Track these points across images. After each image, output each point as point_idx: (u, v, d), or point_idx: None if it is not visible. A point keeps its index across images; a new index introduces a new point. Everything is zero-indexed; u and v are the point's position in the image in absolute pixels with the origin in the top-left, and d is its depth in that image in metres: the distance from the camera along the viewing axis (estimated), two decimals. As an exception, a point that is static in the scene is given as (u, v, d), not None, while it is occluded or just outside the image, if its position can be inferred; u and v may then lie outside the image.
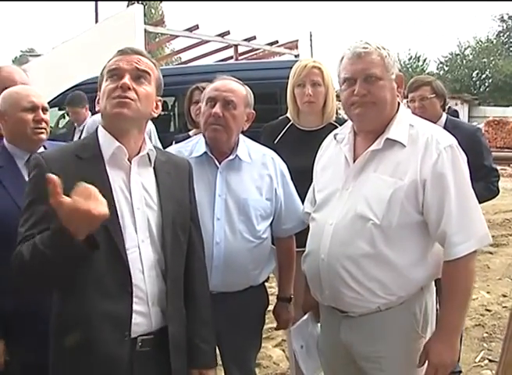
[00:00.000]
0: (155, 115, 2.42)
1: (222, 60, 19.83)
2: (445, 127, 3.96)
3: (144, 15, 17.15)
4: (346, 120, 2.95)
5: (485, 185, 4.33)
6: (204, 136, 3.09)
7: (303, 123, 3.86)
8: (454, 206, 2.43)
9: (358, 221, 2.54)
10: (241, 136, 3.16)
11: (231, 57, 19.44)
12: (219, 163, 3.05)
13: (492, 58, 50.90)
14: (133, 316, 2.24)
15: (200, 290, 2.59)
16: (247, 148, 3.15)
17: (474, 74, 52.32)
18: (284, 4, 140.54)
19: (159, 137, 6.80)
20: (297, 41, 21.58)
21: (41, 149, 3.05)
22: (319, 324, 3.06)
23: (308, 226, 2.92)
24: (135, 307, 2.24)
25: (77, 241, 1.90)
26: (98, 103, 2.32)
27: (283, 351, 5.34)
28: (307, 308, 3.16)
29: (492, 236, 2.56)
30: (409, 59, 54.15)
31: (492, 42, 52.41)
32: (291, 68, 3.91)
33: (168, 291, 2.36)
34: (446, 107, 4.75)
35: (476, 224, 2.48)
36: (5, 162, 2.96)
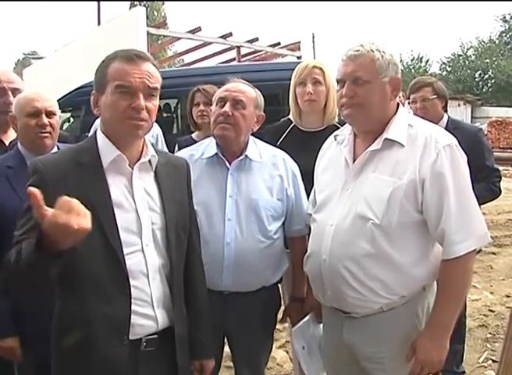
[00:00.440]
0: None
1: (224, 62, 19.83)
2: (446, 128, 3.96)
3: (147, 17, 17.14)
4: (348, 121, 2.96)
5: (486, 186, 4.33)
6: (213, 136, 3.11)
7: (305, 123, 3.87)
8: (453, 205, 2.43)
9: (358, 221, 2.55)
10: (251, 137, 3.18)
11: (233, 59, 19.42)
12: (230, 164, 3.07)
13: (494, 59, 50.83)
14: (138, 319, 2.26)
15: (200, 286, 2.63)
16: (258, 149, 3.18)
17: (476, 75, 52.26)
18: (286, 5, 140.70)
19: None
20: (300, 42, 21.55)
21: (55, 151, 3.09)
22: (321, 325, 3.07)
23: (310, 228, 2.92)
24: (138, 310, 2.26)
25: (50, 250, 1.85)
26: (97, 106, 2.29)
27: (287, 352, 5.34)
28: (309, 308, 3.17)
29: (496, 236, 2.57)
30: (411, 60, 54.13)
31: (495, 42, 52.34)
32: (294, 69, 3.92)
33: (173, 293, 2.39)
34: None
35: (475, 223, 2.49)
36: (16, 164, 3.01)
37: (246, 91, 3.07)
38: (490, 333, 5.72)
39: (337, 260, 2.58)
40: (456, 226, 2.43)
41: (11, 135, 3.57)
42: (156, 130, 5.75)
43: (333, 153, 2.86)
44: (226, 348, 3.30)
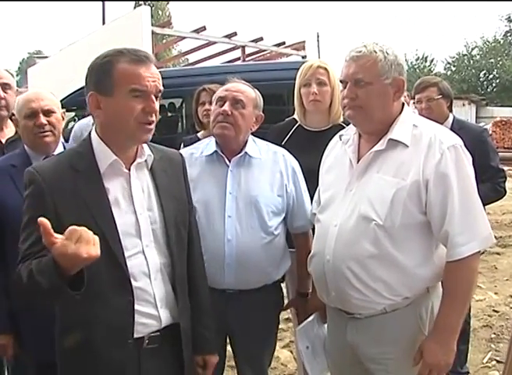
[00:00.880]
0: None
1: (229, 61, 19.84)
2: (452, 128, 3.96)
3: (151, 16, 17.16)
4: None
5: (491, 186, 4.32)
6: (213, 135, 3.13)
7: (309, 123, 3.87)
8: (457, 206, 2.42)
9: (362, 222, 2.54)
10: (251, 136, 3.19)
11: (238, 58, 19.44)
12: (229, 161, 3.08)
13: (499, 59, 50.66)
14: (141, 318, 2.26)
15: (201, 281, 2.63)
16: (258, 146, 3.19)
17: (481, 74, 52.09)
18: (291, 5, 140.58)
19: (167, 139, 6.80)
20: (304, 42, 21.57)
21: (60, 149, 3.13)
22: (326, 325, 3.06)
23: (314, 228, 2.92)
24: (142, 310, 2.26)
25: (62, 278, 1.89)
26: (99, 108, 2.21)
27: (291, 352, 5.34)
28: (313, 308, 3.16)
29: (500, 237, 2.57)
30: (416, 60, 53.97)
31: (500, 42, 52.14)
32: (298, 69, 3.92)
33: (177, 290, 2.39)
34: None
35: (479, 225, 2.48)
36: (20, 163, 3.01)
37: (245, 91, 3.09)
38: (494, 334, 5.71)
39: (341, 261, 2.57)
40: (460, 227, 2.42)
41: (8, 133, 3.58)
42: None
43: (338, 153, 2.86)
44: (229, 347, 3.30)
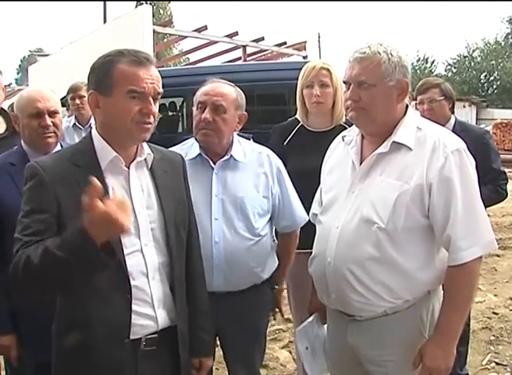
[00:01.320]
0: None
1: (230, 61, 19.86)
2: (453, 130, 3.95)
3: (153, 15, 17.19)
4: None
5: (493, 188, 4.31)
6: (196, 140, 3.12)
7: (312, 124, 3.87)
8: (460, 211, 2.41)
9: (364, 224, 2.53)
10: (236, 137, 3.19)
11: (239, 58, 19.46)
12: (214, 164, 3.07)
13: (500, 61, 50.77)
14: (138, 318, 2.26)
15: (200, 283, 2.63)
16: (242, 148, 3.17)
17: (482, 76, 52.19)
18: (292, 5, 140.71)
19: (167, 138, 6.81)
20: (306, 42, 21.62)
21: (58, 148, 3.11)
22: (325, 326, 3.06)
23: (315, 228, 2.91)
24: (139, 310, 2.26)
25: (96, 244, 1.88)
26: (98, 107, 2.23)
27: (290, 352, 5.34)
28: (313, 309, 3.15)
29: (500, 238, 2.56)
30: (417, 61, 54.03)
31: (501, 44, 52.24)
32: (300, 69, 3.92)
33: (175, 291, 2.39)
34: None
35: (482, 230, 2.47)
36: (19, 161, 2.99)
37: (225, 94, 3.04)
38: (494, 336, 5.70)
39: (342, 263, 2.57)
40: (462, 232, 2.41)
41: None
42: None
43: (340, 154, 2.85)
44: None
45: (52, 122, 3.06)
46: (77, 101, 6.08)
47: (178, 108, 10.09)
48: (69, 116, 6.31)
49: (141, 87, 2.17)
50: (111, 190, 2.23)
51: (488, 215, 2.56)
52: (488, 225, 2.52)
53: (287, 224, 3.32)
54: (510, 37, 53.55)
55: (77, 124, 6.18)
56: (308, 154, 3.60)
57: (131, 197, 2.28)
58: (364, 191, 2.58)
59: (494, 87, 52.39)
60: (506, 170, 4.69)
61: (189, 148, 3.13)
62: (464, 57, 53.16)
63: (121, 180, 2.29)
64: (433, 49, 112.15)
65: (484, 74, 52.12)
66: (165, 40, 23.68)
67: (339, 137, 2.93)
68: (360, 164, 2.64)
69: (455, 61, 53.69)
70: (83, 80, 5.74)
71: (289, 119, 4.09)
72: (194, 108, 3.10)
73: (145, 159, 2.36)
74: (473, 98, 37.75)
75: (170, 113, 10.09)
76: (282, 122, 4.21)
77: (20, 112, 3.10)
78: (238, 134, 3.19)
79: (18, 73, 59.61)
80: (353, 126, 2.76)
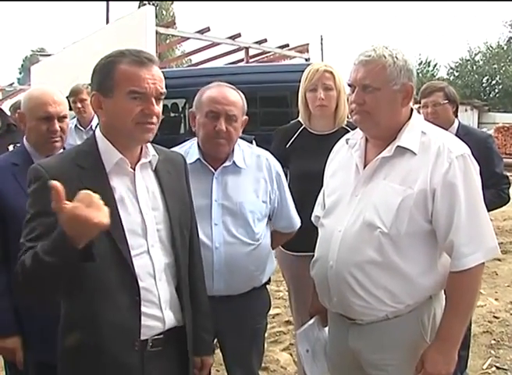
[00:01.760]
0: None
1: (232, 63, 19.87)
2: (457, 134, 3.95)
3: (155, 16, 17.19)
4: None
5: (495, 192, 4.31)
6: (199, 144, 3.09)
7: (315, 127, 3.87)
8: (464, 217, 2.40)
9: (366, 229, 2.53)
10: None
11: (242, 60, 19.49)
12: (214, 169, 3.06)
13: (502, 65, 50.70)
14: (146, 320, 2.25)
15: (200, 283, 2.63)
16: (242, 152, 3.16)
17: (484, 80, 52.12)
18: (295, 7, 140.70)
19: (170, 139, 6.81)
20: (308, 44, 21.64)
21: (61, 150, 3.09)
22: (326, 329, 3.06)
23: (317, 231, 2.90)
24: (147, 311, 2.25)
25: (75, 247, 1.86)
26: (100, 107, 2.23)
27: (291, 354, 5.33)
28: (314, 312, 3.14)
29: (501, 243, 2.55)
30: (419, 64, 53.97)
31: (503, 48, 52.15)
32: (302, 71, 3.91)
33: (181, 291, 2.39)
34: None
35: (485, 236, 2.46)
36: (22, 161, 2.98)
37: (236, 102, 3.01)
38: (494, 340, 5.70)
39: (344, 267, 2.56)
40: (465, 238, 2.41)
41: None
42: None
43: (344, 157, 2.84)
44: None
45: (60, 126, 3.05)
46: (79, 105, 6.09)
47: (180, 109, 10.11)
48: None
49: (142, 87, 2.16)
50: (115, 193, 2.22)
51: (490, 219, 2.55)
52: (492, 231, 2.51)
53: (285, 225, 3.35)
54: (512, 41, 53.54)
55: (79, 126, 6.20)
56: (311, 157, 3.60)
57: (137, 198, 2.28)
58: (367, 194, 2.58)
59: (496, 91, 52.33)
60: (508, 174, 4.68)
61: (187, 152, 3.08)
62: (466, 61, 53.09)
63: (126, 181, 2.28)
64: (435, 53, 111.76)
65: (486, 78, 52.05)
66: (168, 41, 23.75)
67: (342, 140, 2.93)
68: (364, 167, 2.63)
69: (457, 64, 53.64)
70: (85, 82, 5.75)
71: (292, 122, 4.09)
72: (202, 115, 3.02)
73: (150, 161, 2.35)
74: (475, 101, 37.68)
75: (172, 114, 10.10)
76: (284, 124, 4.21)
77: (29, 113, 3.07)
78: (240, 136, 3.18)
79: (20, 73, 59.66)
80: (357, 129, 2.76)
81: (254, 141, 3.82)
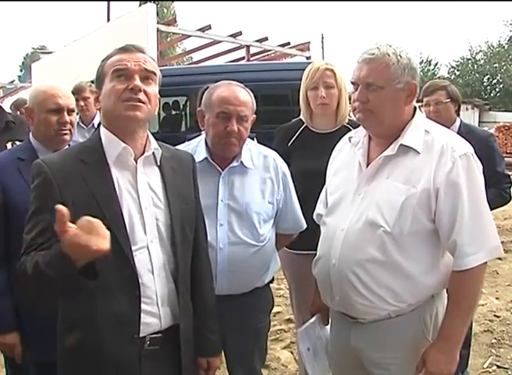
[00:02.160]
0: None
1: (233, 61, 19.87)
2: (459, 132, 3.95)
3: (156, 14, 17.18)
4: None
5: (496, 191, 4.30)
6: (207, 143, 3.07)
7: (316, 125, 3.87)
8: (467, 216, 2.40)
9: (369, 227, 2.52)
10: None
11: (243, 58, 19.48)
12: (221, 169, 3.04)
13: (503, 64, 50.66)
14: (144, 316, 2.25)
15: (207, 283, 2.62)
16: (249, 151, 3.14)
17: (485, 79, 52.09)
18: (296, 5, 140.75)
19: (171, 137, 6.80)
20: (309, 42, 21.64)
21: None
22: (328, 327, 3.05)
23: (319, 230, 2.90)
24: (144, 307, 2.25)
25: (74, 265, 1.89)
26: (98, 101, 2.31)
27: (292, 353, 5.34)
28: (315, 310, 3.14)
29: (502, 242, 2.54)
30: (420, 63, 53.91)
31: (504, 47, 52.08)
32: (304, 70, 3.91)
33: (179, 289, 2.38)
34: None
35: (488, 235, 2.46)
36: (28, 156, 2.99)
37: (247, 102, 2.98)
38: (495, 339, 5.69)
39: (346, 265, 2.56)
40: (468, 237, 2.40)
41: None
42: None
43: (347, 155, 2.83)
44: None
45: (70, 119, 3.10)
46: (81, 103, 6.11)
47: (181, 107, 10.11)
48: None
49: (123, 64, 2.22)
50: (119, 184, 2.24)
51: (491, 218, 2.55)
52: (495, 230, 2.51)
53: (288, 227, 3.31)
54: (513, 40, 53.47)
55: (81, 124, 6.21)
56: (312, 155, 3.59)
57: (138, 193, 2.28)
58: (370, 193, 2.57)
59: (497, 90, 52.31)
60: (509, 173, 4.68)
61: (193, 151, 3.04)
62: (467, 60, 53.06)
63: (128, 175, 2.29)
64: (436, 51, 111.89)
65: (487, 77, 52.02)
66: (169, 39, 23.70)
67: (345, 138, 2.92)
68: (367, 166, 2.63)
69: (458, 63, 53.61)
70: (87, 79, 5.74)
71: (294, 120, 4.09)
72: (212, 115, 2.98)
73: (154, 156, 2.35)
74: (476, 100, 37.64)
75: (173, 112, 10.10)
76: (285, 122, 4.21)
77: (38, 106, 3.10)
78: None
79: (21, 70, 59.69)
80: (360, 127, 2.75)
81: (255, 139, 3.81)
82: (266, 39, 19.82)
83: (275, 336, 5.65)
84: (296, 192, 3.29)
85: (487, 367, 5.06)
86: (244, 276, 3.04)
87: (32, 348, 3.00)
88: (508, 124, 27.05)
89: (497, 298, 6.92)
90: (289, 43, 20.95)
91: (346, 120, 3.84)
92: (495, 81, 52.20)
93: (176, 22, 19.34)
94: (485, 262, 2.45)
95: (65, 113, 3.08)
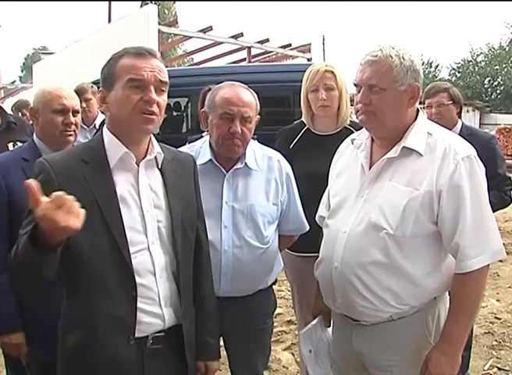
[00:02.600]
0: None
1: (234, 62, 19.86)
2: (460, 134, 3.95)
3: (158, 15, 17.18)
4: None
5: (497, 194, 4.30)
6: (211, 145, 3.06)
7: (318, 127, 3.87)
8: (469, 219, 2.40)
9: (372, 230, 2.52)
10: None
11: (244, 59, 19.46)
12: (226, 170, 3.03)
13: (504, 66, 50.58)
14: (145, 316, 2.26)
15: (207, 286, 2.62)
16: (254, 153, 3.13)
17: (485, 81, 51.97)
18: (297, 7, 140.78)
19: (172, 138, 6.79)
20: (310, 44, 21.63)
21: None
22: (329, 329, 3.05)
23: (321, 232, 2.90)
24: (145, 308, 2.25)
25: (46, 239, 1.86)
26: (104, 102, 2.28)
27: (293, 354, 5.34)
28: (317, 312, 3.14)
29: (503, 244, 2.54)
30: (421, 65, 53.87)
31: (505, 49, 51.99)
32: (304, 71, 3.91)
33: (181, 290, 2.38)
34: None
35: (490, 238, 2.46)
36: (32, 157, 2.98)
37: (250, 103, 2.97)
38: (496, 341, 5.69)
39: (348, 268, 2.56)
40: (471, 240, 2.40)
41: None
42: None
43: (349, 157, 2.83)
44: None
45: (75, 120, 3.12)
46: (83, 104, 6.11)
47: (183, 108, 10.10)
48: None
49: (140, 74, 2.18)
50: (118, 189, 2.23)
51: (492, 220, 2.55)
52: (497, 233, 2.50)
53: (291, 228, 3.30)
54: (514, 42, 53.42)
55: (82, 124, 6.21)
56: (314, 157, 3.60)
57: (139, 195, 2.29)
58: (372, 195, 2.57)
59: (498, 92, 52.21)
60: (510, 176, 4.68)
61: (197, 152, 3.06)
62: (468, 62, 52.99)
63: (129, 177, 2.29)
64: (437, 53, 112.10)
65: (488, 79, 51.91)
66: (170, 40, 23.70)
67: (347, 140, 2.92)
68: (370, 168, 2.63)
69: (459, 65, 53.54)
70: (88, 80, 5.73)
71: (295, 122, 4.09)
72: (215, 116, 2.96)
73: (156, 158, 2.36)
74: (476, 102, 37.59)
75: (175, 113, 10.09)
76: (286, 123, 4.21)
77: (43, 107, 3.11)
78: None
79: (22, 71, 59.76)
80: (363, 129, 2.75)
81: (256, 140, 3.81)
82: (267, 40, 19.80)
83: (276, 337, 5.65)
84: (299, 194, 3.28)
85: (488, 369, 5.06)
86: (248, 278, 3.04)
87: (34, 348, 3.00)
88: (509, 126, 27.03)
89: (498, 300, 6.92)
90: (290, 44, 20.92)
91: (348, 122, 3.84)
92: (496, 83, 52.12)
93: (177, 23, 19.34)
94: (488, 265, 2.45)
95: (71, 114, 3.09)
